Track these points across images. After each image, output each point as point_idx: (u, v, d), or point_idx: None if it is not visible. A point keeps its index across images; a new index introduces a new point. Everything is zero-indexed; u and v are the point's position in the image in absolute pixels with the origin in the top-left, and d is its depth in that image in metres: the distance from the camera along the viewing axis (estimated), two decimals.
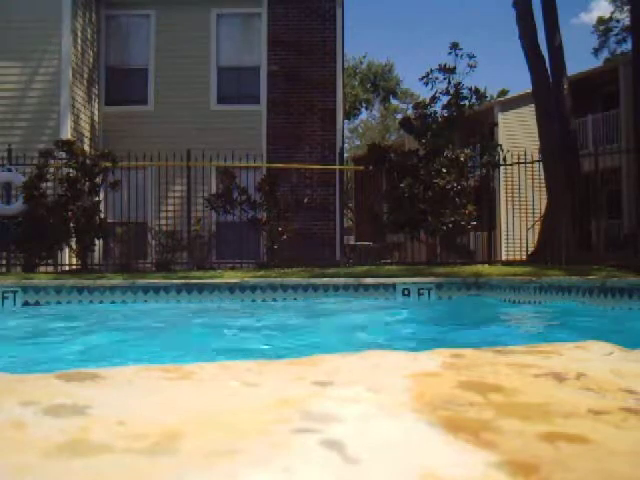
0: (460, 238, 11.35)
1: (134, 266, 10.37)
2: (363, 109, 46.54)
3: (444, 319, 6.65)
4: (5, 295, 7.48)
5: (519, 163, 11.20)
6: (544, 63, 13.13)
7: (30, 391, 0.78)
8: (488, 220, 11.60)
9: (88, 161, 10.13)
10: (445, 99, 11.08)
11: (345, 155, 18.03)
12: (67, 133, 11.63)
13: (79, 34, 12.43)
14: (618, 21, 32.23)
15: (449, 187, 10.33)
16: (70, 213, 9.92)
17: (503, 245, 14.38)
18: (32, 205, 9.83)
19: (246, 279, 7.88)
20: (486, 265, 10.08)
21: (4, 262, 10.10)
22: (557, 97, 13.04)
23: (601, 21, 33.57)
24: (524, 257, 11.95)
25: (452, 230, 10.39)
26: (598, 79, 20.30)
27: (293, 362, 1.00)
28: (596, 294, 6.57)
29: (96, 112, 13.37)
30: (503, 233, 14.21)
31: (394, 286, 7.70)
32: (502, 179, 14.31)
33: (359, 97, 44.20)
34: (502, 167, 11.66)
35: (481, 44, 69.02)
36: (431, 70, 11.18)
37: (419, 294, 7.63)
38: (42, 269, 9.91)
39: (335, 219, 12.95)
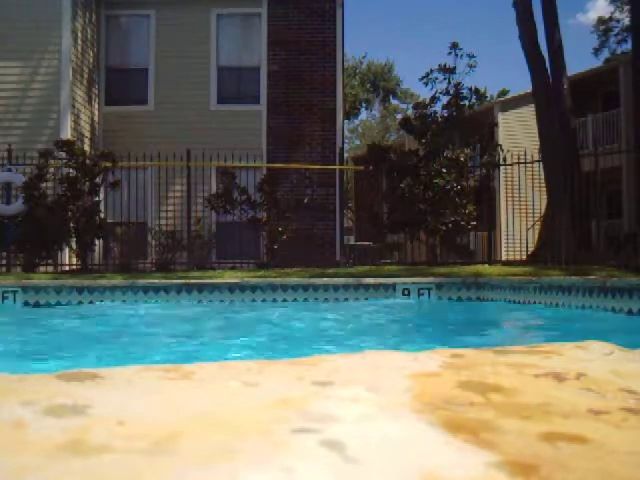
0: (460, 238, 11.34)
1: (134, 266, 10.37)
2: (363, 109, 46.58)
3: (444, 319, 6.65)
4: (5, 295, 7.48)
5: (519, 163, 11.20)
6: (544, 63, 13.13)
7: (30, 391, 0.78)
8: (488, 220, 11.59)
9: (88, 161, 10.13)
10: (445, 99, 11.08)
11: (345, 155, 18.03)
12: (67, 133, 11.63)
13: (79, 34, 12.43)
14: (618, 21, 32.22)
15: (449, 187, 10.33)
16: (70, 213, 9.92)
17: (503, 245, 14.38)
18: (32, 205, 9.82)
19: (246, 279, 7.88)
20: (486, 265, 10.08)
21: (4, 262, 10.10)
22: (557, 97, 13.04)
23: (601, 21, 33.56)
24: (524, 257, 11.95)
25: (452, 230, 10.39)
26: (598, 79, 20.30)
27: (293, 362, 1.00)
28: (596, 294, 6.57)
29: (96, 112, 13.37)
30: (503, 233, 14.21)
31: (394, 286, 7.71)
32: (502, 179, 14.31)
33: (359, 97, 44.22)
34: (502, 167, 11.66)
35: (481, 44, 69.02)
36: (431, 70, 11.18)
37: (419, 294, 7.63)
38: (42, 269, 9.91)
39: (335, 219, 12.96)
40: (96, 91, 13.36)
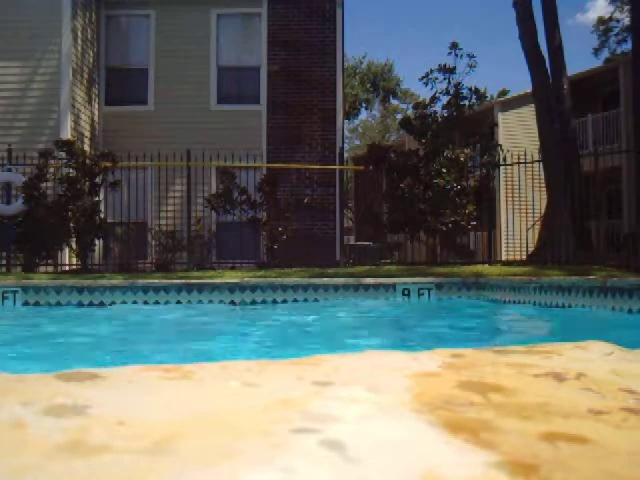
0: (460, 238, 11.34)
1: (134, 266, 10.37)
2: (363, 109, 46.57)
3: (444, 319, 6.65)
4: (5, 295, 7.48)
5: (519, 163, 11.20)
6: (544, 63, 13.12)
7: (30, 391, 0.78)
8: (488, 220, 11.59)
9: (88, 161, 10.13)
10: (445, 99, 11.09)
11: (345, 155, 18.03)
12: (67, 133, 11.63)
13: (79, 34, 12.43)
14: (618, 21, 32.22)
15: (449, 187, 10.32)
16: (70, 213, 9.92)
17: (503, 245, 14.39)
18: (32, 205, 9.82)
19: (246, 279, 7.88)
20: (486, 265, 10.08)
21: (4, 262, 10.10)
22: (557, 97, 13.04)
23: (601, 21, 33.56)
24: (524, 257, 11.95)
25: (452, 230, 10.39)
26: (598, 79, 20.30)
27: (293, 362, 1.00)
28: (596, 294, 6.57)
29: (96, 112, 13.37)
30: (503, 233, 14.21)
31: (394, 286, 7.70)
32: (502, 179, 14.31)
33: (359, 97, 44.21)
34: (502, 167, 11.66)
35: (481, 44, 69.05)
36: (431, 70, 11.19)
37: (419, 294, 7.63)
38: (42, 269, 9.91)
39: (335, 219, 12.95)
40: (96, 91, 13.36)
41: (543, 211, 13.11)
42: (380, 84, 45.75)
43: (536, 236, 13.24)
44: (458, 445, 0.60)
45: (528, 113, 18.94)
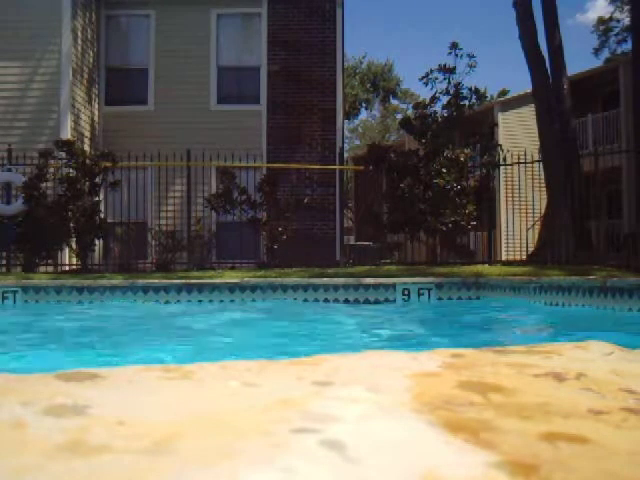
0: (460, 238, 11.33)
1: (134, 266, 10.37)
2: (363, 109, 46.57)
3: (444, 319, 6.65)
4: (5, 295, 7.48)
5: (519, 163, 11.19)
6: (544, 63, 13.12)
7: (30, 391, 0.78)
8: (488, 220, 11.59)
9: (88, 161, 10.13)
10: (445, 99, 11.09)
11: (345, 155, 18.03)
12: (67, 133, 11.63)
13: (79, 34, 12.43)
14: (618, 21, 32.23)
15: (449, 187, 10.32)
16: (70, 213, 9.92)
17: (503, 245, 14.38)
18: (32, 205, 9.82)
19: (246, 279, 7.87)
20: (486, 265, 10.08)
21: (4, 262, 10.10)
22: (557, 97, 13.04)
23: (601, 21, 33.56)
24: (524, 257, 11.95)
25: (452, 230, 10.39)
26: (598, 79, 20.30)
27: (293, 362, 1.00)
28: (596, 294, 6.57)
29: (96, 112, 13.37)
30: (503, 233, 14.21)
31: (394, 286, 7.70)
32: (502, 179, 14.31)
33: (359, 97, 44.21)
34: (502, 167, 11.66)
35: (481, 44, 69.06)
36: (431, 70, 11.19)
37: (419, 294, 7.62)
38: (42, 269, 9.91)
39: (335, 219, 12.95)
40: (96, 91, 13.36)
41: (543, 211, 13.11)
42: (380, 84, 45.75)
43: (536, 236, 13.24)
44: (458, 445, 0.60)
45: (528, 113, 18.94)
